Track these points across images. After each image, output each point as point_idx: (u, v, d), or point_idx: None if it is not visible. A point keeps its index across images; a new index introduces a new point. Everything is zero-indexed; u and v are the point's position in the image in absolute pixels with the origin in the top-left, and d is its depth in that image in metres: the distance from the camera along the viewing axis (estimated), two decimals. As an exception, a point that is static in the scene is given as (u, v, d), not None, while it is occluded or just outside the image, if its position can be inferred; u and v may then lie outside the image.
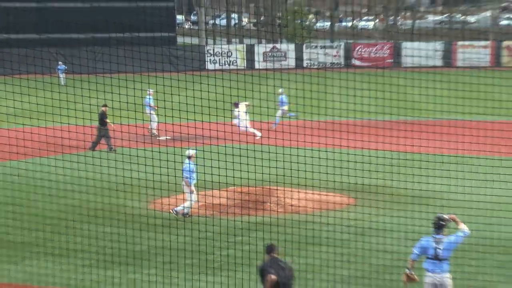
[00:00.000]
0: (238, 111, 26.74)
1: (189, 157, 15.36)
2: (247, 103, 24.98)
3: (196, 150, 16.89)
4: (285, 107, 29.94)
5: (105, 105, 24.49)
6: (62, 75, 41.98)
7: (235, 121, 26.80)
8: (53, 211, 16.43)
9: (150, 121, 28.00)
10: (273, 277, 9.48)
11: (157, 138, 26.30)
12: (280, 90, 28.81)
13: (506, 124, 27.15)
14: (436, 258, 10.50)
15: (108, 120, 24.82)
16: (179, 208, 16.79)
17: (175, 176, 16.05)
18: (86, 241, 14.42)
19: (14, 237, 15.17)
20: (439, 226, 10.49)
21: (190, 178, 16.62)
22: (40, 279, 13.19)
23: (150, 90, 25.91)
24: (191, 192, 16.66)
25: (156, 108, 26.84)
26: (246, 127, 26.88)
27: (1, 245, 15.18)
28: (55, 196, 16.82)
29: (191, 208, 16.82)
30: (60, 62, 43.21)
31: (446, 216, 10.72)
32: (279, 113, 29.24)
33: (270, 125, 28.04)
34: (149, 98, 27.66)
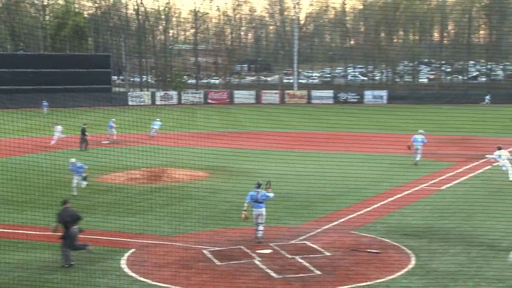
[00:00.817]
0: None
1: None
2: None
3: (74, 159, 25.44)
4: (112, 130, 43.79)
5: (85, 124, 39.01)
6: (45, 108, 61.64)
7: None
8: None
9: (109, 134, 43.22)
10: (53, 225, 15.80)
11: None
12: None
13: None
14: (257, 201, 17.30)
15: (87, 132, 38.82)
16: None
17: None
18: None
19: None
20: (258, 185, 17.46)
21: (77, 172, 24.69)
22: None
23: (112, 119, 43.26)
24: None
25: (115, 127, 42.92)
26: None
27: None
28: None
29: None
30: (44, 101, 64.19)
31: (261, 181, 17.54)
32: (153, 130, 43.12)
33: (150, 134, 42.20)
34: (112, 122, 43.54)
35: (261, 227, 17.34)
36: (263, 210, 17.32)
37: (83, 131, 38.71)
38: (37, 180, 23.41)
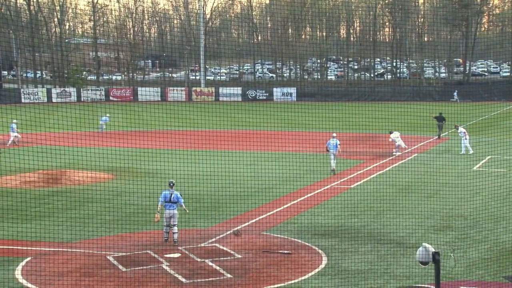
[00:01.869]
0: None
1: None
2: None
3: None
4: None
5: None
6: None
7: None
8: None
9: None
10: None
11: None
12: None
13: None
14: (170, 201, 17.25)
15: None
16: None
17: None
18: None
19: None
20: (171, 185, 17.47)
21: None
22: None
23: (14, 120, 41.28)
24: None
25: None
26: None
27: None
28: None
29: None
30: None
31: (173, 181, 17.68)
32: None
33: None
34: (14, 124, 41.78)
35: (175, 229, 17.30)
36: (175, 211, 17.31)
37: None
38: None
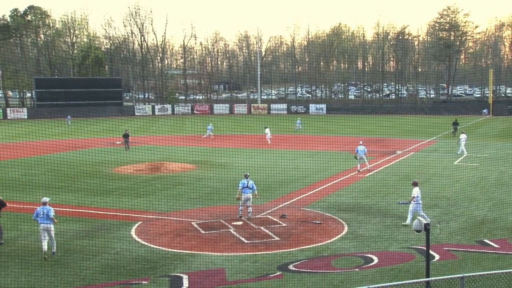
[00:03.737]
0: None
1: (44, 204, 13.14)
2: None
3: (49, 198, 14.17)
4: None
5: (127, 130, 35.62)
6: (69, 121, 57.75)
7: None
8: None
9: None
10: None
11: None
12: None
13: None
14: (247, 187, 16.42)
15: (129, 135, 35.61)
16: None
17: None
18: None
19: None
20: (246, 176, 16.74)
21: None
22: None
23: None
24: None
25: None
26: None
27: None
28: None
29: None
30: (68, 116, 60.35)
31: (248, 173, 16.86)
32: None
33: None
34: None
35: (250, 209, 16.73)
36: (250, 195, 16.69)
37: (126, 135, 35.28)
38: (67, 171, 22.92)
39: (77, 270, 12.20)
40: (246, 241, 14.51)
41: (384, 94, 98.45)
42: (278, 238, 14.77)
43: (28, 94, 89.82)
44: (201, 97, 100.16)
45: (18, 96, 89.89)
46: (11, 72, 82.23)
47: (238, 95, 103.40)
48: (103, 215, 17.36)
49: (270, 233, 15.32)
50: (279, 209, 18.35)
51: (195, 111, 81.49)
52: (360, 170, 26.04)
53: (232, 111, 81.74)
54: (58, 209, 18.01)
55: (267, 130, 39.89)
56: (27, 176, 23.99)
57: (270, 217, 17.26)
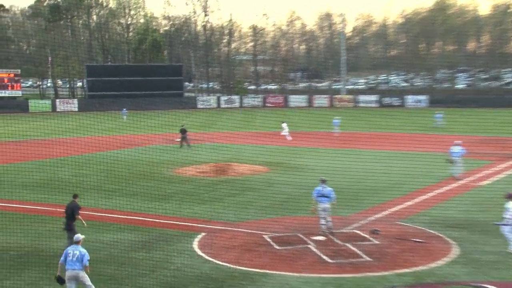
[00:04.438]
0: None
1: (76, 242, 11.95)
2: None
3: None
4: None
5: (183, 125, 36.93)
6: (125, 116, 58.23)
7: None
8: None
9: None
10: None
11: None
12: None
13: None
14: (324, 195, 16.39)
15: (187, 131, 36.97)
16: None
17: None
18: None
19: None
20: (323, 182, 16.56)
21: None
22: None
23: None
24: None
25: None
26: None
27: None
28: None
29: None
30: (124, 108, 60.73)
31: (324, 178, 16.60)
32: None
33: None
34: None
35: (329, 218, 16.54)
36: (327, 204, 16.46)
37: (183, 131, 36.91)
38: (121, 172, 23.90)
39: (132, 287, 12.60)
40: (329, 260, 14.29)
41: (504, 82, 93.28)
42: (368, 258, 14.41)
43: (79, 84, 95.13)
44: (274, 87, 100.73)
45: (68, 86, 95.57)
46: (61, 59, 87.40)
47: (318, 84, 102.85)
48: (162, 224, 17.84)
49: (358, 251, 14.99)
50: (369, 222, 17.93)
51: (267, 103, 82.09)
52: (456, 176, 24.83)
53: (310, 103, 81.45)
54: (111, 215, 18.82)
55: (284, 125, 40.85)
56: (77, 177, 25.28)
57: (358, 231, 16.90)
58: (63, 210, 15.35)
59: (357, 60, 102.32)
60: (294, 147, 34.87)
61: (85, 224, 14.98)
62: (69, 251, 11.78)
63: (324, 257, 14.53)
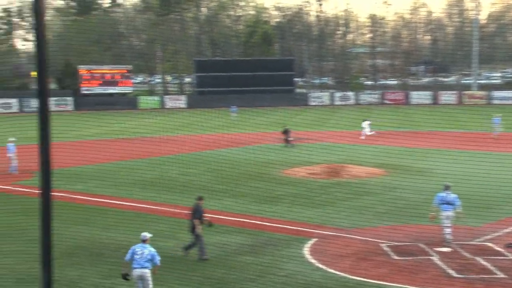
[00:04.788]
0: None
1: (143, 241, 12.40)
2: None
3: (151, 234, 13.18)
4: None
5: (286, 126, 38.39)
6: (234, 114, 58.63)
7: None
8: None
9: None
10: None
11: None
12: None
13: None
14: (448, 203, 16.09)
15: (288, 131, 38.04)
16: None
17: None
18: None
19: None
20: (447, 188, 16.30)
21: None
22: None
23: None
24: None
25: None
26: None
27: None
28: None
29: None
30: (233, 106, 61.42)
31: (449, 184, 16.36)
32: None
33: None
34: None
35: (448, 230, 16.16)
36: (451, 213, 16.10)
37: (286, 131, 38.05)
38: (230, 172, 24.71)
39: (240, 291, 13.06)
40: (455, 275, 13.85)
41: None
42: (503, 275, 13.76)
43: (188, 79, 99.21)
44: (393, 83, 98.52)
45: (177, 82, 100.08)
46: (170, 54, 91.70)
47: (444, 79, 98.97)
48: (271, 228, 18.23)
49: (490, 266, 14.35)
50: (504, 235, 17.09)
51: (385, 100, 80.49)
52: None
53: (436, 100, 78.62)
54: (220, 217, 19.56)
55: (365, 124, 41.28)
56: (186, 176, 26.50)
57: (490, 244, 16.19)
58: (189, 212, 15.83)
59: (492, 51, 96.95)
60: (414, 148, 33.89)
61: (201, 229, 15.39)
62: (137, 250, 12.16)
63: (450, 271, 14.09)
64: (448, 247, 15.84)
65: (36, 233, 7.85)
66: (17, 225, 17.23)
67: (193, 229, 15.48)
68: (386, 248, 16.02)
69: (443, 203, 16.18)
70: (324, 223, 18.45)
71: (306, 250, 15.99)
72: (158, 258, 12.20)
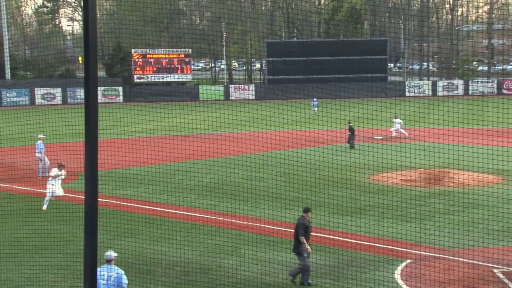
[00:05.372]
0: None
1: (108, 261, 12.00)
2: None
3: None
4: None
5: (350, 122, 38.44)
6: (315, 109, 58.56)
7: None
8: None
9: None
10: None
11: None
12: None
13: None
14: None
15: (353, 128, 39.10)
16: None
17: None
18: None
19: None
20: None
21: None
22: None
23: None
24: None
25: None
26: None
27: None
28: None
29: None
30: (315, 99, 60.81)
31: None
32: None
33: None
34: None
35: None
36: None
37: (351, 129, 39.09)
38: (305, 177, 24.68)
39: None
40: None
41: None
42: None
43: (257, 65, 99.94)
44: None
45: (244, 68, 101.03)
46: (237, 35, 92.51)
47: None
48: (354, 245, 18.11)
49: None
50: None
51: (504, 90, 78.00)
52: None
53: None
54: (291, 230, 19.56)
55: (397, 120, 43.24)
56: (252, 181, 26.66)
57: None
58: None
59: None
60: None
61: (310, 249, 15.34)
62: (102, 273, 11.61)
63: None
64: None
65: (79, 245, 8.11)
66: (58, 235, 17.95)
67: (296, 249, 15.46)
68: (501, 275, 15.65)
69: None
70: (421, 242, 18.20)
71: (397, 274, 15.82)
72: (125, 282, 12.01)
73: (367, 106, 51.58)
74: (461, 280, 15.29)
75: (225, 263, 16.60)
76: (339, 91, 71.50)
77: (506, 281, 15.25)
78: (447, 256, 17.00)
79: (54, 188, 23.07)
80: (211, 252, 17.29)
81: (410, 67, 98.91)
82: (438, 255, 17.11)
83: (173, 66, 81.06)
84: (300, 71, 77.73)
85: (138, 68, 80.00)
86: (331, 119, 42.43)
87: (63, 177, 23.38)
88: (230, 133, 37.61)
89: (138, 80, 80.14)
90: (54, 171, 23.65)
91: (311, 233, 15.69)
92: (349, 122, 38.62)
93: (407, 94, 79.30)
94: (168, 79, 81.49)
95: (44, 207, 22.79)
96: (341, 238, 18.87)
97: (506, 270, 15.88)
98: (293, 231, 15.70)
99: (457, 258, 16.87)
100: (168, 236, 18.45)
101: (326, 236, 19.11)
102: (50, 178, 23.51)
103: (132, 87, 79.62)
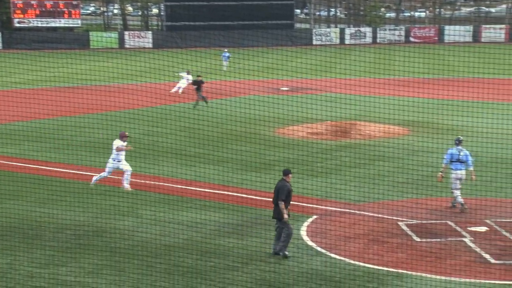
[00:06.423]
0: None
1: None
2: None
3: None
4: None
5: (199, 76, 36.76)
6: (226, 62, 55.89)
7: None
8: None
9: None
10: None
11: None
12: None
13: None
14: (459, 160, 17.45)
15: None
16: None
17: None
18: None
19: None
20: (458, 142, 17.71)
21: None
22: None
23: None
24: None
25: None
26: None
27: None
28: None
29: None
30: (225, 50, 57.53)
31: (461, 137, 17.86)
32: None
33: None
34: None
35: (457, 193, 17.43)
36: (463, 173, 17.45)
37: (196, 82, 36.77)
38: (208, 131, 24.70)
39: (219, 283, 13.22)
40: (493, 261, 14.10)
41: None
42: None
43: (155, 10, 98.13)
44: (423, 15, 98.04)
45: (140, 14, 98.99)
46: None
47: (490, 9, 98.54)
48: (259, 202, 18.37)
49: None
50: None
51: (411, 38, 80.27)
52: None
53: (477, 37, 78.26)
54: (194, 188, 19.63)
55: (184, 74, 40.76)
56: (151, 137, 26.50)
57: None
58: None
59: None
60: (449, 101, 33.88)
61: (287, 218, 14.49)
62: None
63: (486, 255, 14.35)
64: (482, 225, 16.10)
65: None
66: None
67: (276, 214, 14.67)
68: (406, 227, 16.21)
69: (454, 161, 17.44)
70: (327, 197, 18.57)
71: (303, 230, 16.14)
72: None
73: (273, 55, 51.87)
74: (366, 234, 15.76)
75: (121, 225, 16.49)
76: (243, 39, 71.51)
77: (410, 233, 15.85)
78: (353, 211, 17.46)
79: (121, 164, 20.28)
80: (105, 214, 17.09)
81: (318, 13, 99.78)
82: (344, 209, 17.54)
83: (59, 9, 78.51)
84: (202, 17, 77.02)
85: (18, 11, 77.10)
86: (234, 69, 42.53)
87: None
88: (125, 85, 36.99)
89: (18, 25, 77.29)
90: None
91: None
92: (198, 76, 36.75)
93: (314, 42, 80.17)
94: (54, 24, 78.89)
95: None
96: (245, 195, 19.04)
97: (410, 222, 16.48)
98: (271, 198, 14.92)
99: (363, 212, 17.36)
100: (58, 197, 18.10)
101: (229, 193, 19.27)
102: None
103: (12, 33, 76.69)
